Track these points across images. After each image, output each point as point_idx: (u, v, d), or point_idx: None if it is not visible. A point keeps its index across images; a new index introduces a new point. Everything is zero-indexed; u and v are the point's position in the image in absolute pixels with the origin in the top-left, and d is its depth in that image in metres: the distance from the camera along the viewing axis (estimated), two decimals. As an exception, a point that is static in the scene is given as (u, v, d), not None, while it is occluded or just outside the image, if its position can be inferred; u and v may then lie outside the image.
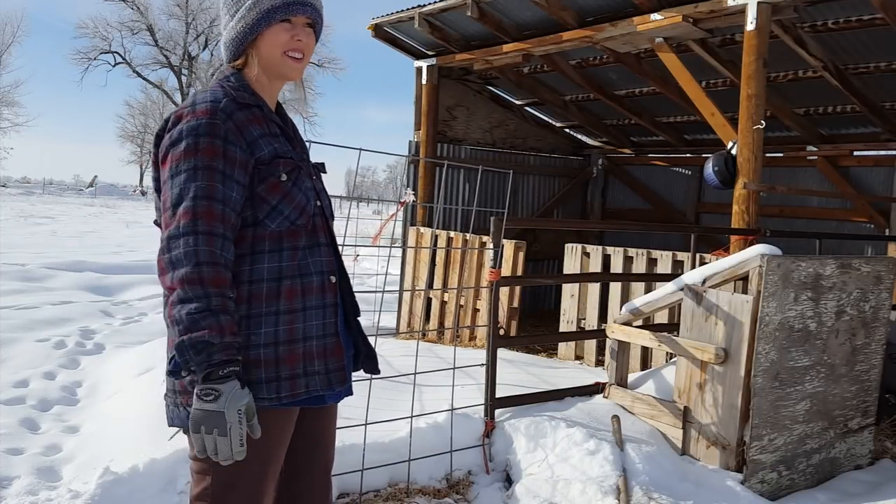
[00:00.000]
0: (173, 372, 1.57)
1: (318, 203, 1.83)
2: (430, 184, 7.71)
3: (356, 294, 1.93)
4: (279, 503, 1.89)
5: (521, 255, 6.00)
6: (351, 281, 1.97)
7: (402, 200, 7.02)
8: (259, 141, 1.70)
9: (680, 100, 7.12)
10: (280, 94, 1.92)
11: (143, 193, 50.92)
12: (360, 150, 3.13)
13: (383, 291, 3.59)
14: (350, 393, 1.89)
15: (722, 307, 3.57)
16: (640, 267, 5.53)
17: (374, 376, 2.05)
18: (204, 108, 1.64)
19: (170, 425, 1.73)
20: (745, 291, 3.72)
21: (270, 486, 1.77)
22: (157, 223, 1.74)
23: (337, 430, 3.32)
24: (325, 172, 2.01)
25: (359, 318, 1.93)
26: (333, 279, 1.81)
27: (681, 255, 5.30)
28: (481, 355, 4.10)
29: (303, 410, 1.84)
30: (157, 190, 1.72)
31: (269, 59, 1.76)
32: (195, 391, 1.53)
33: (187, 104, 1.68)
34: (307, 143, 2.83)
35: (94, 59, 42.22)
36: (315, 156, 2.11)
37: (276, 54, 1.75)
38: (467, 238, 6.57)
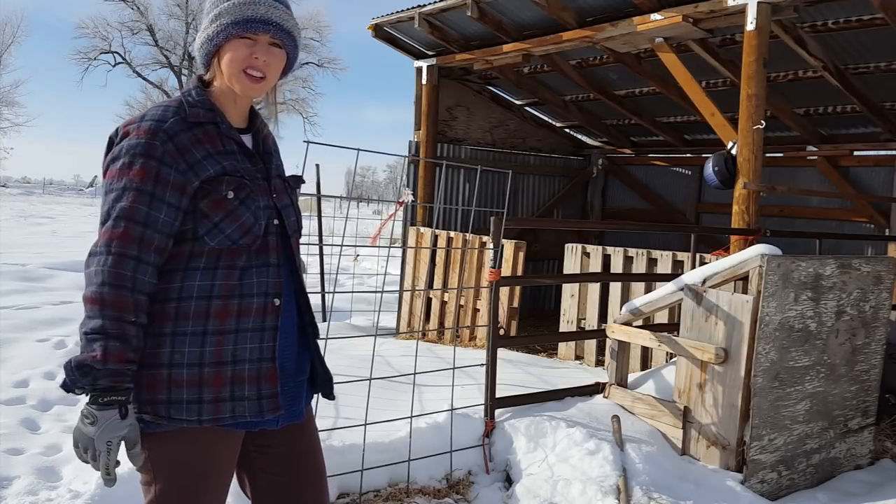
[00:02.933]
0: (64, 387, 1.55)
1: (276, 222, 1.76)
2: (430, 184, 7.71)
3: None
4: None
5: (521, 255, 6.00)
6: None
7: (400, 200, 7.02)
8: (203, 162, 1.66)
9: (680, 100, 7.12)
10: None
11: (143, 193, 50.83)
12: (358, 150, 3.13)
13: (383, 291, 3.59)
14: (299, 418, 1.84)
15: (722, 307, 3.57)
16: (640, 267, 5.53)
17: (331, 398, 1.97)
18: (147, 126, 1.62)
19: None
20: (745, 291, 3.72)
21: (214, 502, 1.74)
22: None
23: (337, 431, 3.31)
24: (302, 184, 1.94)
25: (317, 340, 1.89)
26: (277, 302, 1.72)
27: (681, 255, 5.30)
28: (481, 355, 4.10)
29: (272, 436, 1.79)
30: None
31: (227, 73, 1.71)
32: (82, 409, 1.55)
33: (137, 118, 1.66)
34: (306, 144, 2.82)
35: (94, 59, 42.17)
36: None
37: (234, 70, 1.70)
38: (467, 238, 6.57)
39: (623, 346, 4.22)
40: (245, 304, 1.67)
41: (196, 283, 1.64)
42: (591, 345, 5.79)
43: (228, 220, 1.66)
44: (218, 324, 1.64)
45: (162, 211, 1.60)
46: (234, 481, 1.87)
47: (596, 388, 4.25)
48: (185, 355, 1.61)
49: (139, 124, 1.63)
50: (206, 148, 1.68)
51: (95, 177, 56.26)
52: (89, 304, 1.54)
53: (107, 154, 1.66)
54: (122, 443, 1.56)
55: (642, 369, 5.06)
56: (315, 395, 2.00)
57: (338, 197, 4.40)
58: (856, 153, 7.38)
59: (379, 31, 7.29)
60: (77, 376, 1.52)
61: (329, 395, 1.94)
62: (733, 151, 5.06)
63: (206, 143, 1.69)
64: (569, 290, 5.99)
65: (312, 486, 1.88)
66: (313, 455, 1.90)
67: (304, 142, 2.84)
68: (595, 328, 5.67)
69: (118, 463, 1.57)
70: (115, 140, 1.65)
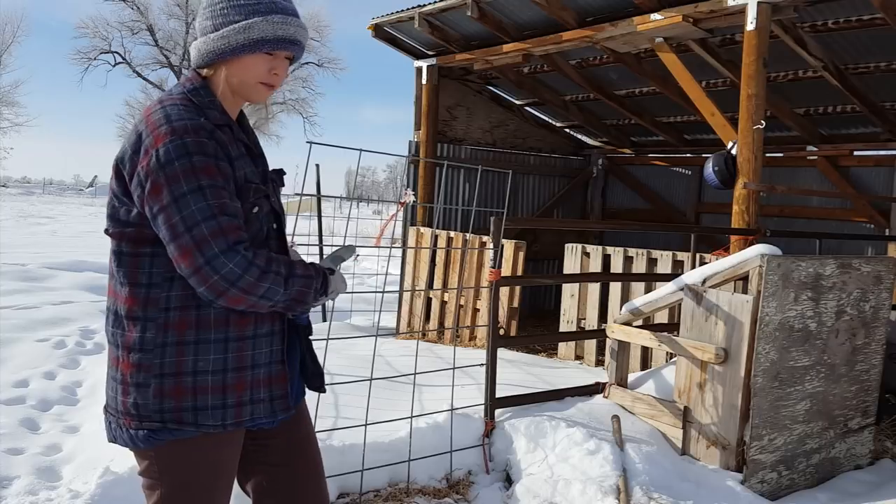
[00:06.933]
0: (302, 317, 1.83)
1: (275, 226, 1.79)
2: (430, 184, 7.71)
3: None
4: None
5: (521, 255, 6.00)
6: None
7: (401, 201, 7.01)
8: (239, 160, 1.68)
9: (680, 100, 7.12)
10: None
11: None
12: (361, 150, 3.13)
13: (383, 291, 3.59)
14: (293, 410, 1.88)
15: (722, 307, 3.57)
16: (640, 267, 5.53)
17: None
18: (183, 126, 1.58)
19: (110, 441, 1.74)
20: (745, 291, 3.72)
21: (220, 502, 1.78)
22: (107, 232, 1.70)
23: (337, 431, 3.31)
24: (283, 184, 1.96)
25: (310, 337, 1.93)
26: None
27: (681, 255, 5.30)
28: (481, 355, 4.10)
29: (270, 429, 1.82)
30: (112, 200, 1.67)
31: (241, 82, 1.72)
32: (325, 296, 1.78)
33: (160, 121, 1.59)
34: (308, 144, 2.82)
35: (94, 59, 42.16)
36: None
37: (251, 81, 1.72)
38: (467, 238, 6.57)
39: (623, 346, 4.22)
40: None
41: None
42: (591, 345, 5.79)
43: (262, 213, 1.73)
44: (238, 330, 1.68)
45: (237, 201, 1.64)
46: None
47: (596, 388, 4.25)
48: (209, 362, 1.64)
49: (171, 125, 1.58)
50: (235, 149, 1.70)
51: (95, 177, 56.27)
52: (260, 282, 1.59)
53: (136, 153, 1.60)
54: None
55: (642, 369, 5.06)
56: (317, 397, 2.02)
57: (337, 197, 4.39)
58: (856, 153, 7.37)
59: (379, 31, 7.29)
60: (310, 304, 1.73)
61: (319, 388, 1.96)
62: (733, 151, 5.05)
63: (233, 144, 1.70)
64: (569, 290, 5.99)
65: (313, 472, 1.92)
66: (309, 442, 1.93)
67: (307, 142, 2.83)
68: (595, 328, 5.67)
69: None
70: (141, 147, 1.59)
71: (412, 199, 7.21)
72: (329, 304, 2.01)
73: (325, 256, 1.89)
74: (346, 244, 1.94)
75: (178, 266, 1.57)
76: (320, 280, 1.72)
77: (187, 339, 1.63)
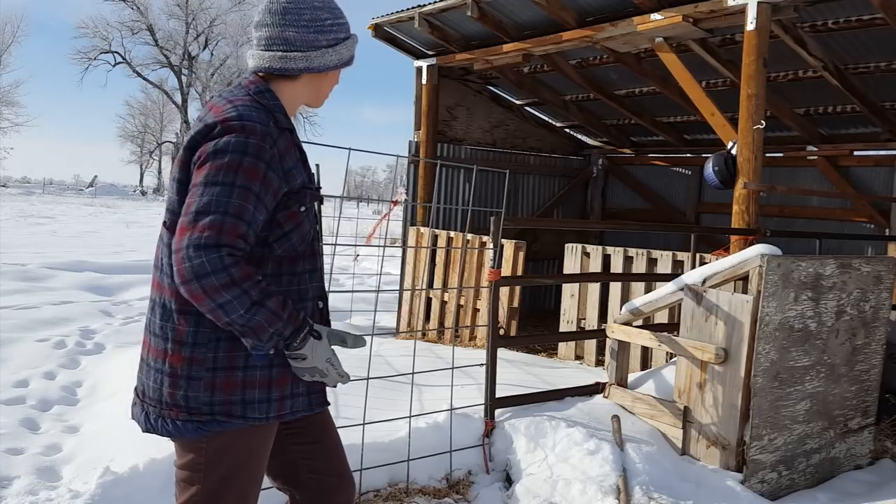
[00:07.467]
0: (258, 355, 1.69)
1: (317, 227, 1.88)
2: (430, 184, 7.71)
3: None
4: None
5: (521, 255, 6.00)
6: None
7: (394, 200, 7.02)
8: (292, 171, 1.74)
9: (680, 100, 7.12)
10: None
11: (143, 193, 50.92)
12: (350, 149, 3.16)
13: (379, 291, 3.58)
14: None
15: (722, 307, 3.57)
16: (640, 267, 5.53)
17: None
18: (253, 127, 1.65)
19: (145, 431, 1.79)
20: (745, 291, 3.72)
21: (256, 496, 1.84)
22: (165, 225, 1.73)
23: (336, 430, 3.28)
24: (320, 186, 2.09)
25: None
26: (321, 304, 1.89)
27: (681, 255, 5.30)
28: (481, 355, 4.10)
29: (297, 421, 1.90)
30: (180, 192, 1.70)
31: (317, 92, 1.87)
32: (287, 356, 1.72)
33: (232, 116, 1.65)
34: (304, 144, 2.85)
35: (94, 58, 42.25)
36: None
37: (326, 91, 1.89)
38: (468, 238, 6.57)
39: (623, 346, 4.22)
40: (302, 307, 1.79)
41: None
42: (591, 345, 5.79)
43: (296, 231, 1.76)
44: None
45: (262, 213, 1.66)
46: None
47: (596, 388, 4.25)
48: (259, 358, 1.71)
49: (243, 123, 1.64)
50: (293, 157, 1.77)
51: (95, 177, 56.29)
52: (224, 291, 1.55)
53: (204, 139, 1.65)
54: (339, 347, 1.78)
55: (642, 369, 5.06)
56: None
57: (337, 197, 4.39)
58: (856, 153, 7.38)
59: (379, 31, 7.29)
60: (266, 346, 1.66)
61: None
62: (733, 151, 5.05)
63: (291, 151, 1.77)
64: (569, 290, 5.99)
65: (339, 444, 2.03)
66: (328, 416, 2.03)
67: (303, 142, 2.84)
68: (595, 328, 5.67)
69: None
70: (209, 134, 1.64)
71: (404, 197, 7.22)
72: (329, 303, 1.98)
73: (331, 328, 1.84)
74: (359, 335, 1.84)
75: (173, 239, 1.61)
76: (289, 329, 1.65)
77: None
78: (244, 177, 1.61)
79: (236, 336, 1.66)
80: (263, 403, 1.73)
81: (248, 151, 1.62)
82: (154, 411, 1.73)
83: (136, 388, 1.82)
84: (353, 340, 1.82)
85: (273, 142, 1.67)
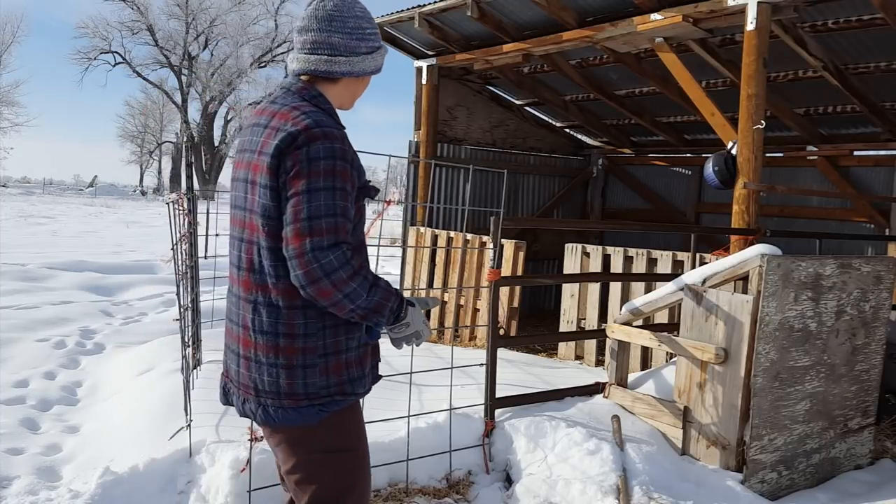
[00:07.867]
0: (373, 335, 1.96)
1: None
2: (430, 184, 7.71)
3: None
4: None
5: (521, 255, 6.00)
6: None
7: (387, 199, 7.01)
8: (361, 168, 1.90)
9: (680, 100, 7.12)
10: None
11: (143, 193, 50.90)
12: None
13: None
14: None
15: (722, 307, 3.57)
16: (640, 267, 5.53)
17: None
18: (332, 132, 1.80)
19: (261, 424, 1.96)
20: (745, 291, 3.72)
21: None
22: (263, 229, 1.83)
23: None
24: None
25: None
26: None
27: (681, 255, 5.30)
28: (481, 355, 4.10)
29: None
30: (274, 198, 1.80)
31: (352, 95, 2.02)
32: (392, 328, 1.96)
33: (309, 124, 1.78)
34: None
35: (94, 59, 42.22)
36: None
37: (358, 95, 2.05)
38: (468, 238, 6.57)
39: (623, 346, 4.22)
40: None
41: None
42: (591, 345, 5.79)
43: (361, 222, 1.95)
44: None
45: (353, 208, 1.85)
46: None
47: (596, 388, 4.25)
48: (354, 340, 1.92)
49: (322, 129, 1.78)
50: (357, 159, 1.91)
51: (95, 177, 56.31)
52: (352, 281, 1.75)
53: (289, 147, 1.77)
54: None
55: (642, 369, 5.06)
56: None
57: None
58: (856, 153, 7.38)
59: (379, 31, 7.28)
60: (384, 319, 1.88)
61: None
62: (733, 151, 5.06)
63: (352, 149, 1.90)
64: (569, 290, 5.99)
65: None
66: None
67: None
68: (595, 328, 5.67)
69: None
70: (295, 143, 1.77)
71: (398, 196, 7.21)
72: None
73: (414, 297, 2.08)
74: (433, 297, 2.07)
75: (286, 247, 1.75)
76: (397, 301, 1.89)
77: (338, 320, 1.87)
78: (340, 179, 1.77)
79: (335, 324, 1.86)
80: (362, 379, 1.95)
81: (336, 156, 1.77)
82: (273, 403, 1.87)
83: (242, 385, 1.93)
84: (433, 302, 2.16)
85: (349, 143, 1.84)
